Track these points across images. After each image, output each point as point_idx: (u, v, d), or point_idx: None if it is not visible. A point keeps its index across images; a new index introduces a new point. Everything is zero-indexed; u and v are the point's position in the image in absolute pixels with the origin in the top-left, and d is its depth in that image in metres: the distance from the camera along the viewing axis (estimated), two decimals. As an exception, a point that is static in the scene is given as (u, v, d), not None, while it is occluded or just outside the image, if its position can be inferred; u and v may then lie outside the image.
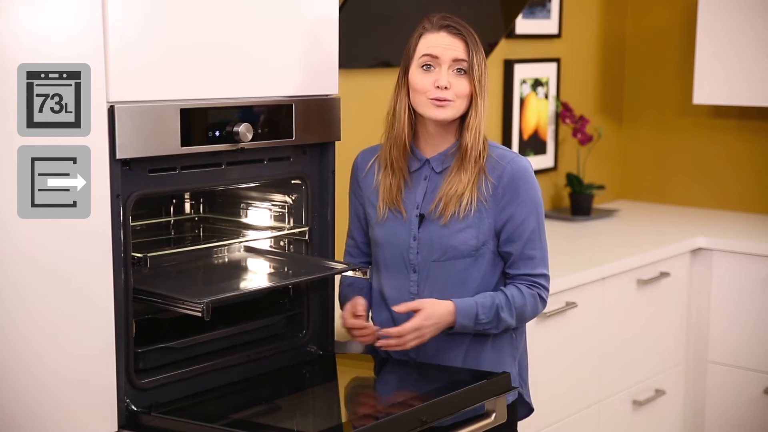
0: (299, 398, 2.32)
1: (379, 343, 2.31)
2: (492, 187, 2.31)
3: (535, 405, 2.52)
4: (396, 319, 2.35)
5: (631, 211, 4.25)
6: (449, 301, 2.29)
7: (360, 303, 2.41)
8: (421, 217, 2.35)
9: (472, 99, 2.29)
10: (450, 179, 2.32)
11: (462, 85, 2.28)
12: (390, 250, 2.38)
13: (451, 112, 2.28)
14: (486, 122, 2.32)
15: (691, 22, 4.21)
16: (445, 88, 2.26)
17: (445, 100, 2.26)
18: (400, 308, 2.29)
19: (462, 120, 2.32)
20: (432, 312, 2.26)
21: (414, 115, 2.35)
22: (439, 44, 2.28)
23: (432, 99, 2.27)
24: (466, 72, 2.28)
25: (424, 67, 2.29)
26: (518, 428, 2.46)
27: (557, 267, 3.19)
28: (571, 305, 3.15)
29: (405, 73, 2.33)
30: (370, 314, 2.47)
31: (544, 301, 2.38)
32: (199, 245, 2.50)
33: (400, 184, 2.36)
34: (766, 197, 4.19)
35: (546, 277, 2.38)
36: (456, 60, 2.27)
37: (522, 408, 2.47)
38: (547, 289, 2.38)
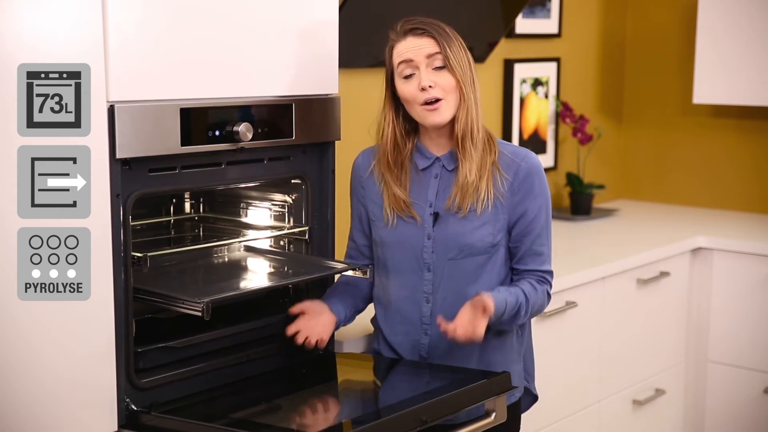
0: (299, 398, 2.32)
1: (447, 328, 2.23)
2: (507, 183, 2.31)
3: (535, 405, 2.53)
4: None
5: (631, 211, 4.25)
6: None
7: (325, 321, 2.38)
8: (436, 216, 2.35)
9: (461, 91, 2.28)
10: (460, 172, 2.31)
11: (445, 79, 2.26)
12: (401, 250, 2.36)
13: (446, 113, 2.27)
14: (482, 110, 2.30)
15: (691, 22, 4.21)
16: (430, 87, 2.25)
17: (434, 100, 2.25)
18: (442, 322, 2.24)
19: None
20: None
21: (409, 126, 2.35)
22: (408, 48, 2.27)
23: (423, 105, 2.26)
24: (445, 65, 2.27)
25: (406, 77, 2.28)
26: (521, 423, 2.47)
27: (557, 267, 3.17)
28: (571, 305, 3.15)
29: (390, 89, 2.32)
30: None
31: (549, 297, 2.39)
32: (199, 245, 2.50)
33: (402, 190, 2.34)
34: (766, 197, 4.19)
35: (552, 273, 2.39)
36: (430, 56, 2.26)
37: (526, 399, 2.48)
38: (552, 286, 2.39)
